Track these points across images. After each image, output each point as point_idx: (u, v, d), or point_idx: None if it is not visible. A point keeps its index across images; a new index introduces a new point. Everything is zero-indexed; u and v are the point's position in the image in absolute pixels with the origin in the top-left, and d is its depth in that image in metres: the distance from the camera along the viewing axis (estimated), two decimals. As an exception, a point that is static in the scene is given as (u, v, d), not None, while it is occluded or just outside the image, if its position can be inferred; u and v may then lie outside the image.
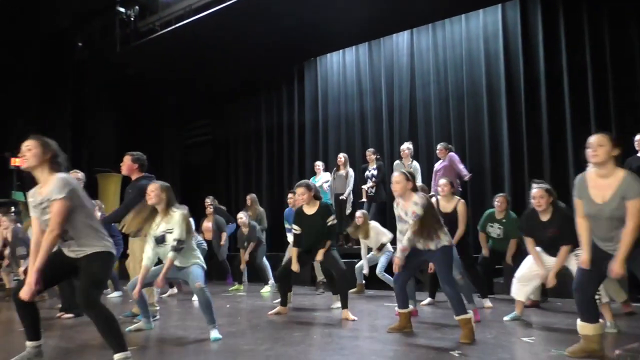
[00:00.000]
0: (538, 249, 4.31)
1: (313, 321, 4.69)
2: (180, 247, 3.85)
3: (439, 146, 7.23)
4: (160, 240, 3.91)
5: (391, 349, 3.42)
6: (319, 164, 8.32)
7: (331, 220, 4.81)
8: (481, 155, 7.95)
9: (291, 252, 5.05)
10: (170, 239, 3.86)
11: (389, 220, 7.39)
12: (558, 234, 4.10)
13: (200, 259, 4.03)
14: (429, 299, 5.63)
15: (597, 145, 2.95)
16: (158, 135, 12.56)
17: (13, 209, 9.03)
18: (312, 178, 8.00)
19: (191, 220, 4.19)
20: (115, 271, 6.62)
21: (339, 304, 4.96)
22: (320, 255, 4.76)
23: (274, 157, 10.92)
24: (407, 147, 7.47)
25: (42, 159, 2.88)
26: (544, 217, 4.20)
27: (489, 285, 5.80)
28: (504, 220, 5.60)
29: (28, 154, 2.86)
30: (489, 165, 7.84)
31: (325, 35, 9.04)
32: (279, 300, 5.21)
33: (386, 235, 6.40)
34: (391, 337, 3.83)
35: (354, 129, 9.57)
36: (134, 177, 4.88)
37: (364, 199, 7.75)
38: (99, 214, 5.93)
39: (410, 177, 3.89)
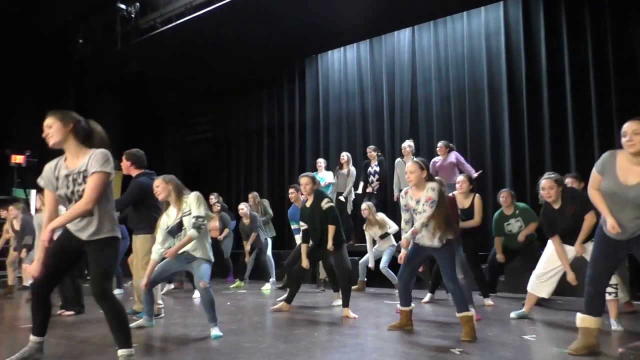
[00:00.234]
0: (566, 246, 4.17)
1: (314, 319, 4.68)
2: (201, 224, 3.87)
3: (439, 144, 7.21)
4: (175, 231, 3.95)
5: (392, 347, 3.42)
6: (321, 161, 8.31)
7: (325, 203, 4.83)
8: (482, 153, 7.92)
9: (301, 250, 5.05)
10: (187, 222, 3.90)
11: (389, 215, 7.36)
12: (575, 210, 4.05)
13: (210, 253, 4.04)
14: (429, 295, 5.63)
15: (632, 133, 2.81)
16: (159, 133, 12.57)
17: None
18: (314, 174, 7.97)
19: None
20: (119, 268, 6.59)
21: (339, 302, 4.96)
22: (330, 244, 4.76)
23: (274, 155, 10.91)
24: (408, 144, 7.46)
25: (65, 131, 2.82)
26: (557, 205, 4.16)
27: (493, 284, 5.78)
28: (517, 212, 5.55)
29: (50, 131, 2.82)
30: (490, 163, 7.81)
31: (327, 33, 9.03)
32: (283, 297, 5.20)
33: (392, 226, 6.47)
34: (392, 335, 3.82)
35: (355, 126, 9.56)
36: (133, 175, 4.86)
37: (362, 191, 7.74)
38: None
39: (424, 165, 3.88)
